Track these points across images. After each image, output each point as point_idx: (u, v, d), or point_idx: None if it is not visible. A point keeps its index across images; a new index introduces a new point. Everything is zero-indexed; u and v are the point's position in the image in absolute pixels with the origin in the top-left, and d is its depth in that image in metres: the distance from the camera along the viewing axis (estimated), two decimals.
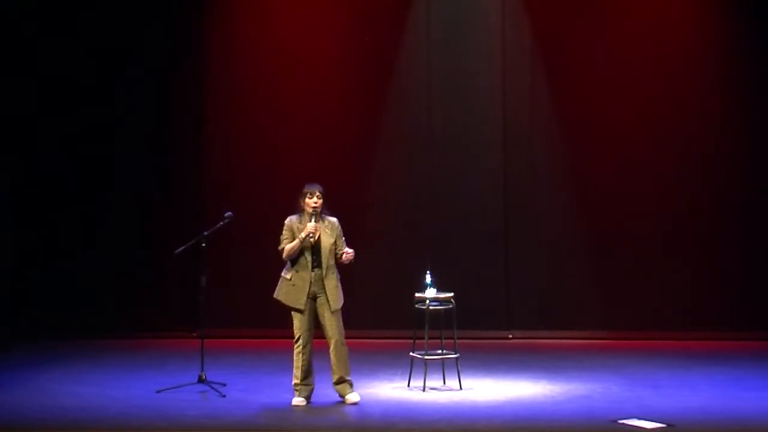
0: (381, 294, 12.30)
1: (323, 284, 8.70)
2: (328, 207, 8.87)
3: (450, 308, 9.47)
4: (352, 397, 8.76)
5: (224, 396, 9.07)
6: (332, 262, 8.74)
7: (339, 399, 8.93)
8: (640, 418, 8.15)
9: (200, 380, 9.36)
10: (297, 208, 8.81)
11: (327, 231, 8.74)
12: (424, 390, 9.28)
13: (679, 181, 12.33)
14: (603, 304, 12.35)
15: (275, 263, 12.50)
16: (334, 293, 8.71)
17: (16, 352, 11.39)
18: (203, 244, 9.44)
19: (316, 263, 8.70)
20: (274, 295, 8.81)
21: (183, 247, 9.49)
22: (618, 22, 12.42)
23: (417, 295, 9.47)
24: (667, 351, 11.52)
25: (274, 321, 12.33)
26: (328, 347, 8.80)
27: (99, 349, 11.50)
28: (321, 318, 8.74)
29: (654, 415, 8.23)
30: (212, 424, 8.12)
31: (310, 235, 8.63)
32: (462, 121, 12.48)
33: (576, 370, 10.30)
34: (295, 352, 8.77)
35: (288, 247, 8.71)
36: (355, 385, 9.52)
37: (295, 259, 8.73)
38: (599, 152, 12.43)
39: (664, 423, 8.03)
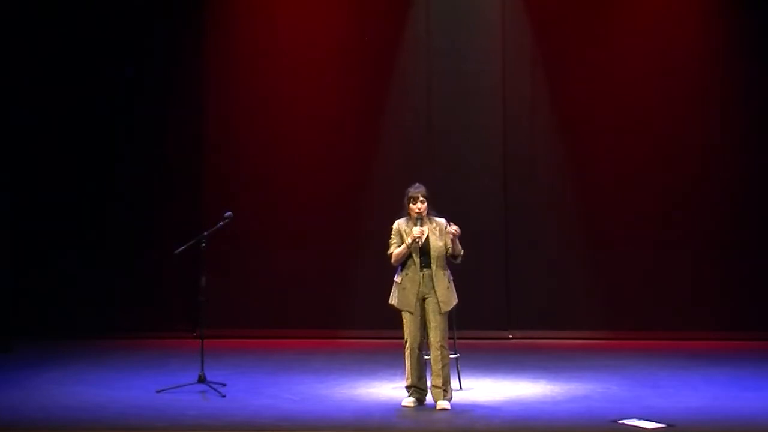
0: (381, 294, 12.23)
1: (433, 285, 8.61)
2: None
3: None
4: (441, 404, 8.62)
5: (224, 396, 9.07)
6: (442, 263, 8.63)
7: (341, 400, 8.96)
8: (640, 418, 8.15)
9: (200, 380, 9.36)
10: (403, 212, 8.71)
11: (435, 233, 8.63)
12: None
13: (679, 180, 12.33)
14: (603, 304, 12.35)
15: (275, 263, 12.65)
16: (444, 295, 8.61)
17: (16, 352, 11.39)
18: (203, 244, 9.44)
19: (425, 264, 8.61)
20: (389, 302, 8.74)
21: (183, 247, 9.48)
22: (618, 21, 12.41)
23: None
24: (667, 351, 11.52)
25: (274, 321, 12.48)
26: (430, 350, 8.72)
27: (99, 349, 11.50)
28: (427, 320, 8.64)
29: (654, 415, 8.23)
30: (212, 424, 8.12)
31: (417, 239, 8.56)
32: (462, 121, 12.48)
33: (576, 370, 10.30)
34: (405, 354, 8.69)
35: (396, 252, 8.64)
36: (355, 385, 9.55)
37: (404, 262, 8.65)
38: (599, 152, 12.43)
39: (664, 423, 8.02)
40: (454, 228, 8.60)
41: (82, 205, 12.59)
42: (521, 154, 12.48)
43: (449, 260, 8.72)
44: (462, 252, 8.66)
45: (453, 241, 8.60)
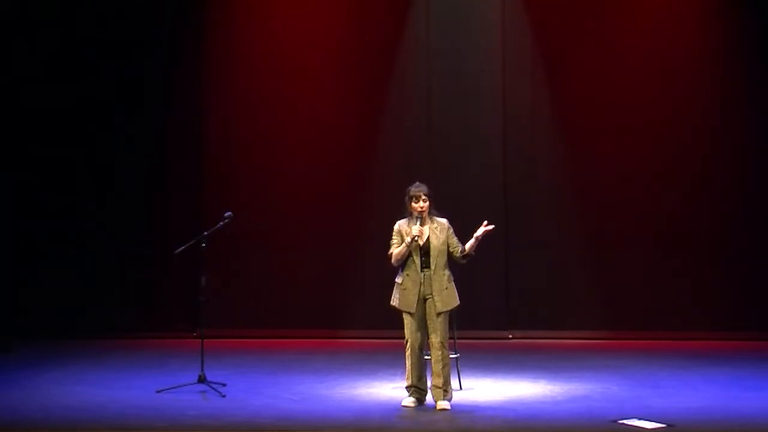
0: (381, 294, 12.23)
1: (432, 286, 8.60)
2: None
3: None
4: (441, 404, 8.62)
5: (224, 396, 9.07)
6: (442, 263, 8.63)
7: (341, 400, 8.97)
8: (640, 418, 8.15)
9: (200, 380, 9.36)
10: (405, 211, 8.70)
11: (436, 233, 8.64)
12: None
13: (680, 180, 12.33)
14: (603, 304, 12.35)
15: (275, 263, 12.65)
16: (442, 295, 8.60)
17: (16, 352, 11.39)
18: (203, 244, 9.44)
19: (425, 265, 8.61)
20: (391, 303, 8.73)
21: (183, 247, 9.49)
22: (618, 21, 12.41)
23: None
24: (667, 351, 11.52)
25: (274, 321, 12.48)
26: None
27: (99, 349, 11.50)
28: (428, 320, 8.64)
29: (654, 415, 8.23)
30: (212, 424, 8.12)
31: (416, 238, 8.55)
32: (462, 121, 12.48)
33: (576, 370, 10.30)
34: (405, 354, 8.70)
35: (396, 252, 8.63)
36: (355, 385, 9.55)
37: (404, 262, 8.64)
38: (599, 152, 12.43)
39: (664, 423, 8.03)
40: (491, 227, 8.62)
41: (82, 205, 12.58)
42: (521, 154, 12.47)
43: (455, 260, 8.71)
44: (474, 254, 8.65)
45: (478, 239, 8.59)
